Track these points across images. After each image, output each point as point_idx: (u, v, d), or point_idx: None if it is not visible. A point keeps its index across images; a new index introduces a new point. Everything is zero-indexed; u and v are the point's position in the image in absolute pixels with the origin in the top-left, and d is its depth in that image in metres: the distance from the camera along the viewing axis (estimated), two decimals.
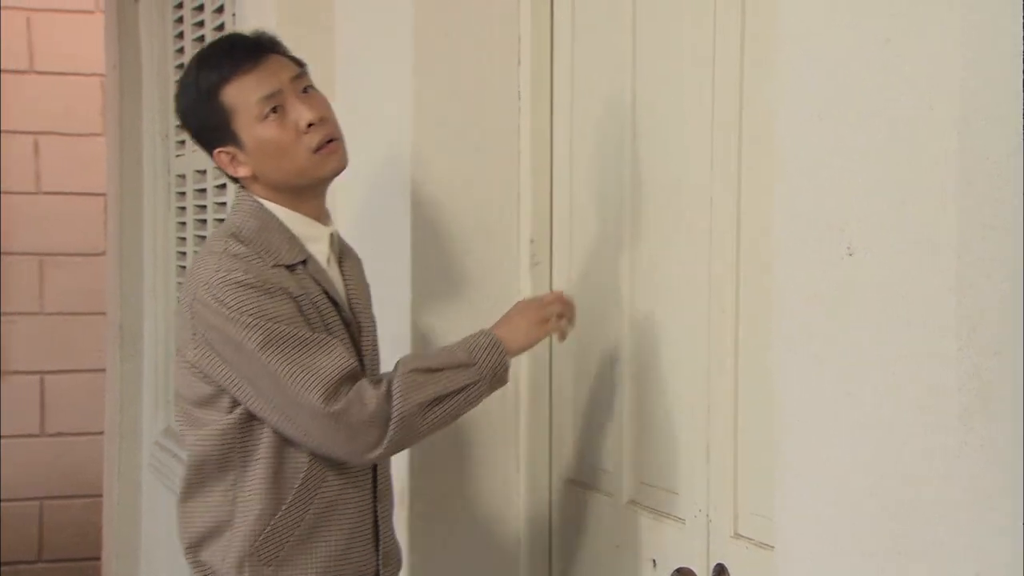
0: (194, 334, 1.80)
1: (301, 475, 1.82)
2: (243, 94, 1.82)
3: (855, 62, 1.21)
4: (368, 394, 1.75)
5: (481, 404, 2.19)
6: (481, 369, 1.82)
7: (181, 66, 3.85)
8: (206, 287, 1.77)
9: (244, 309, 1.74)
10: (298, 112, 1.82)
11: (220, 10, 3.30)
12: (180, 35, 3.81)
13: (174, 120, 4.05)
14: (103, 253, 5.04)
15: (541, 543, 2.22)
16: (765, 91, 1.65)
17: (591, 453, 2.12)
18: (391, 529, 1.96)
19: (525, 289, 2.23)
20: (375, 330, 1.96)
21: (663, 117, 1.91)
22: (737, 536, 1.73)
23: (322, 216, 1.91)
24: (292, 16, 2.51)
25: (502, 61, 2.21)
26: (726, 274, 1.74)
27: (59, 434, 5.42)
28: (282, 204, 1.87)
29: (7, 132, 5.46)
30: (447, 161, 2.21)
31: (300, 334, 1.76)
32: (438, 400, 1.80)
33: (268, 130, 1.82)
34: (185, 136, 3.88)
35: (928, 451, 1.13)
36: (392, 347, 2.23)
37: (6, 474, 5.29)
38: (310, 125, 1.82)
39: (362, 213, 2.41)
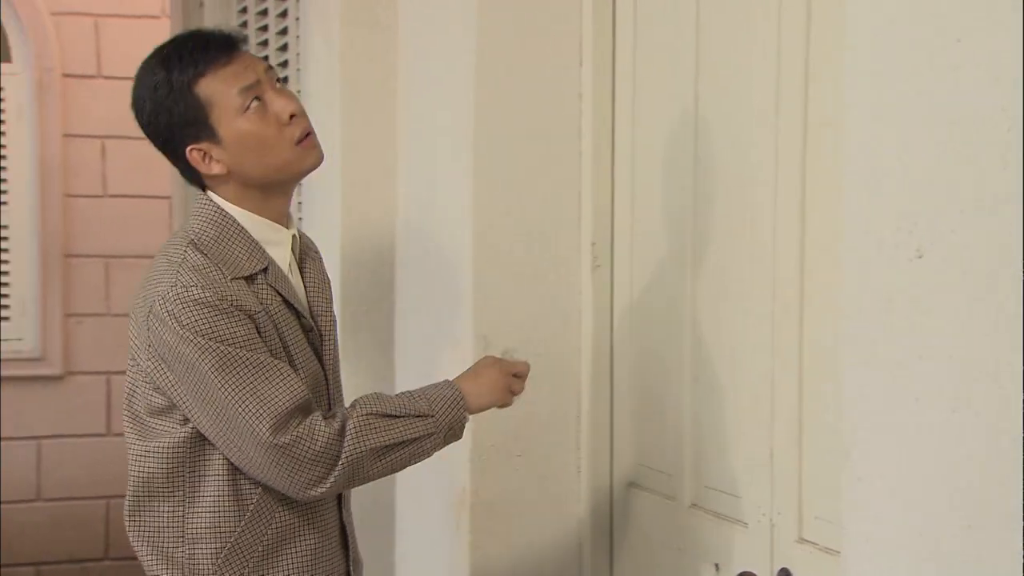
0: (148, 345, 1.76)
1: (259, 491, 1.78)
2: (221, 87, 1.78)
3: (925, 61, 1.19)
4: (319, 430, 1.72)
5: (543, 407, 2.20)
6: (438, 422, 1.80)
7: None
8: (163, 301, 1.72)
9: (199, 330, 1.70)
10: (279, 104, 1.80)
11: (284, 14, 3.32)
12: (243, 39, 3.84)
13: None
14: None
15: (602, 547, 2.21)
16: (832, 91, 1.63)
17: (652, 456, 2.11)
18: (355, 536, 1.95)
19: (587, 292, 2.22)
20: (335, 332, 1.93)
21: (727, 117, 1.90)
22: (801, 540, 1.71)
23: (284, 218, 1.87)
24: (356, 18, 2.52)
25: (564, 62, 2.21)
26: (790, 275, 1.72)
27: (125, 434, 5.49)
28: (247, 206, 1.83)
29: (74, 136, 5.55)
30: (508, 163, 2.20)
31: (254, 359, 1.72)
32: (390, 448, 1.77)
33: (249, 123, 1.78)
34: None
35: (1003, 458, 1.11)
36: (454, 351, 2.24)
37: (74, 473, 5.37)
38: (292, 116, 1.80)
39: (422, 213, 2.42)
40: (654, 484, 2.09)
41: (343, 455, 1.73)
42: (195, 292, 1.72)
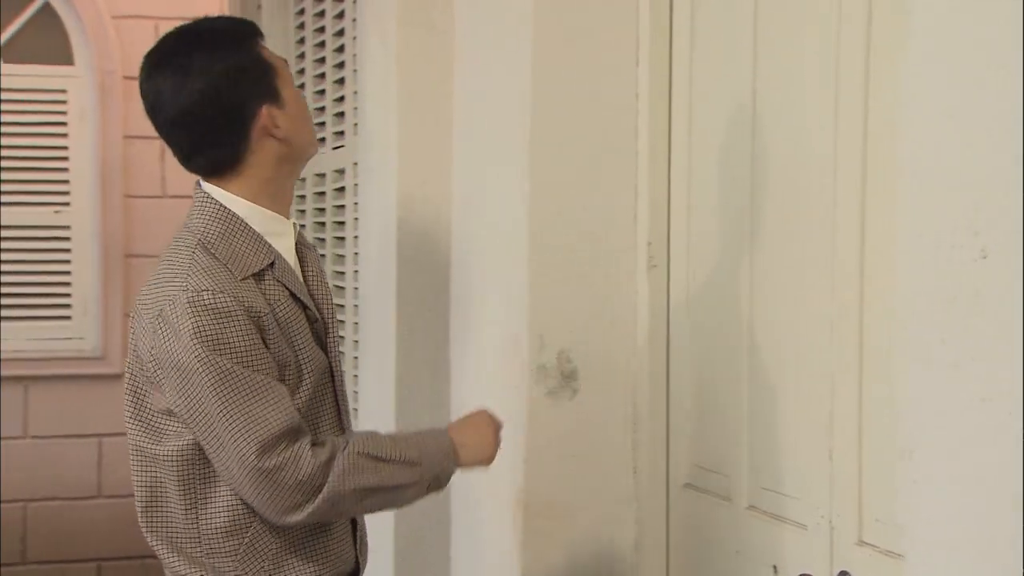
0: (152, 347, 1.75)
1: None
2: (273, 54, 1.85)
3: (988, 59, 1.17)
4: (304, 458, 1.71)
5: (598, 407, 2.20)
6: (425, 472, 1.79)
7: (302, 71, 3.92)
8: (172, 305, 1.72)
9: (204, 338, 1.70)
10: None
11: (340, 16, 3.35)
12: (301, 41, 3.87)
13: None
14: None
15: (658, 548, 2.20)
16: (892, 89, 1.61)
17: (709, 457, 2.09)
18: (363, 522, 1.97)
19: (643, 292, 2.22)
20: (336, 321, 1.95)
21: (784, 115, 1.88)
22: (861, 543, 1.69)
23: (288, 208, 1.90)
24: (412, 19, 2.53)
25: (620, 62, 2.20)
26: (850, 275, 1.71)
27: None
28: (265, 195, 1.84)
29: (135, 137, 5.62)
30: (564, 163, 2.20)
31: (251, 379, 1.71)
32: (373, 490, 1.77)
33: (296, 92, 1.85)
34: None
35: None
36: (510, 350, 2.24)
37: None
38: None
39: (478, 213, 2.42)
40: (710, 485, 2.08)
41: (326, 488, 1.72)
42: (206, 297, 1.71)
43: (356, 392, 3.07)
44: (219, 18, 1.93)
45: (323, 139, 3.78)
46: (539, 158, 2.20)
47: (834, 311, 1.74)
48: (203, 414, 1.72)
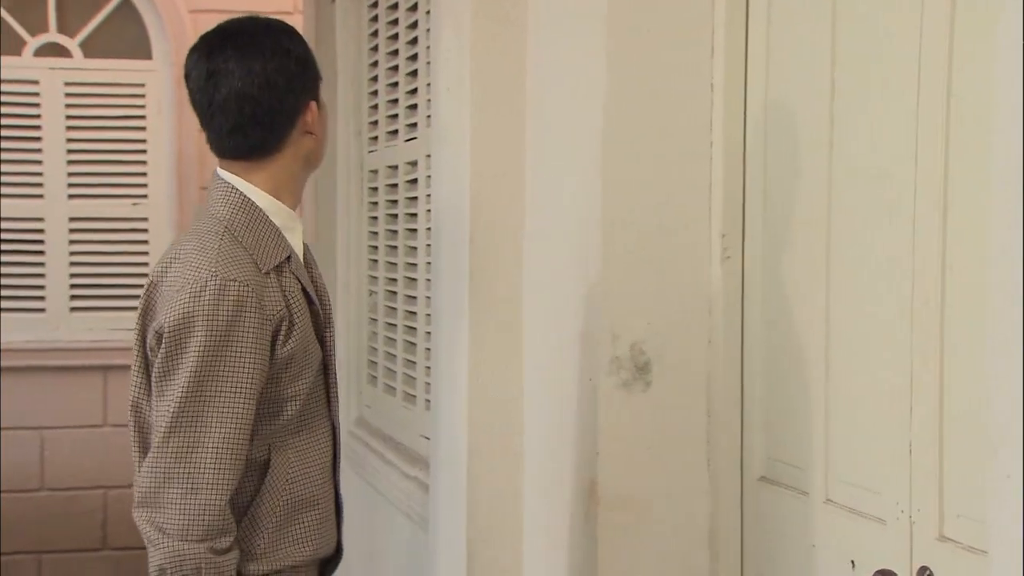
0: (166, 314, 1.85)
1: (270, 468, 1.91)
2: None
3: None
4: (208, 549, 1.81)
5: (672, 400, 2.19)
6: None
7: (375, 64, 3.95)
8: (199, 287, 1.82)
9: (214, 328, 1.80)
10: None
11: (414, 8, 3.36)
12: (374, 33, 3.90)
13: (367, 117, 4.16)
14: None
15: (733, 542, 2.19)
16: (977, 75, 1.59)
17: (784, 450, 2.08)
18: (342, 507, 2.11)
19: (717, 284, 2.20)
20: (332, 316, 2.10)
21: (864, 106, 1.86)
22: (943, 538, 1.67)
23: (298, 207, 2.04)
24: (486, 12, 2.53)
25: (695, 52, 2.19)
26: (931, 267, 1.68)
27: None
28: (285, 190, 1.96)
29: None
30: (638, 154, 2.19)
31: (229, 406, 1.82)
32: None
33: (324, 103, 2.03)
34: (378, 133, 3.99)
35: None
36: (583, 344, 2.24)
37: None
38: None
39: (551, 205, 2.42)
40: (786, 478, 2.07)
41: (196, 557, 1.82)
42: (232, 288, 1.81)
43: (428, 383, 3.08)
44: (275, 19, 2.06)
45: (395, 131, 3.80)
46: (612, 150, 2.19)
47: (915, 302, 1.71)
48: (170, 389, 1.84)
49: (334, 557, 2.08)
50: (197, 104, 2.00)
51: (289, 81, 1.94)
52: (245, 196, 1.92)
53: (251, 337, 1.83)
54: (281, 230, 1.93)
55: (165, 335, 1.84)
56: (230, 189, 1.93)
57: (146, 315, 1.92)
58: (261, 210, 1.92)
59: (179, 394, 1.82)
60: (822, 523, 1.95)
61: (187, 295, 1.83)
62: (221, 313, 1.81)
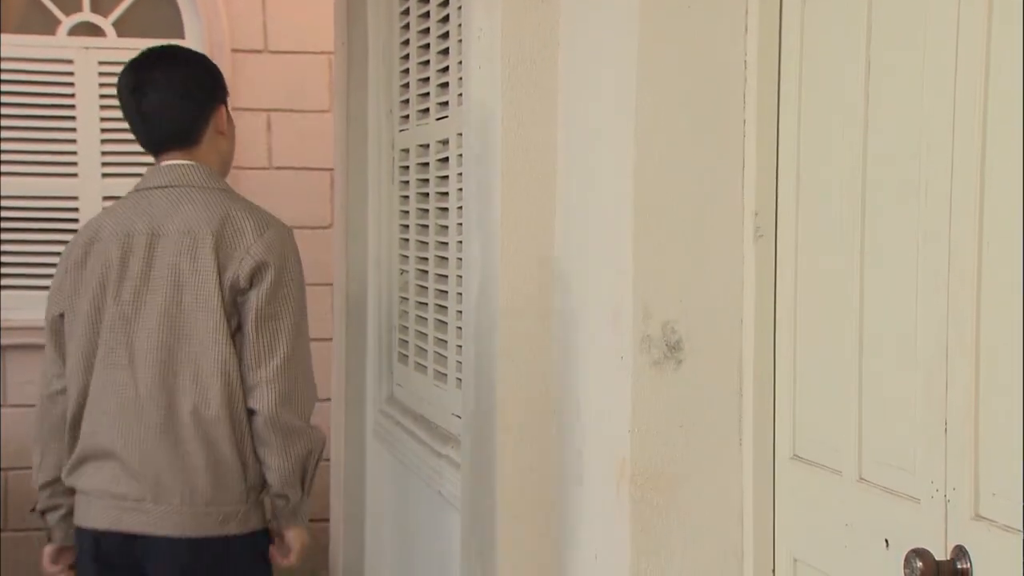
0: (262, 251, 2.54)
1: None
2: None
3: None
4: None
5: (704, 378, 2.19)
6: (304, 500, 2.68)
7: (406, 42, 3.95)
8: (283, 231, 2.61)
9: (298, 277, 2.62)
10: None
11: None
12: (405, 11, 3.89)
13: (398, 96, 4.16)
14: (330, 226, 5.22)
15: (765, 520, 2.19)
16: (1016, 53, 1.57)
17: (817, 429, 2.07)
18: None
19: (749, 262, 2.19)
20: None
21: (900, 83, 1.84)
22: (978, 517, 1.66)
23: None
24: None
25: (729, 29, 2.17)
26: (968, 243, 1.67)
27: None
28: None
29: (241, 109, 5.71)
30: (671, 130, 2.18)
31: (305, 323, 2.65)
32: (310, 458, 2.63)
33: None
34: (409, 112, 3.99)
35: None
36: (614, 321, 2.23)
37: None
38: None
39: (582, 183, 2.41)
40: (819, 457, 2.06)
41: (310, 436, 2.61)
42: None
43: (459, 361, 3.09)
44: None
45: (427, 110, 3.80)
46: (645, 126, 2.18)
47: (951, 279, 1.70)
48: (284, 311, 2.53)
49: None
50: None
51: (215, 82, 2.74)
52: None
53: None
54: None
55: (271, 271, 2.50)
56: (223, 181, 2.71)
57: (220, 263, 2.49)
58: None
59: (294, 314, 2.52)
60: (855, 502, 1.94)
61: (279, 241, 2.56)
62: (296, 250, 2.59)
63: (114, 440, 2.51)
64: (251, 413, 2.51)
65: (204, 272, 2.47)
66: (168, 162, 2.63)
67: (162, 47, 2.72)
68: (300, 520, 2.61)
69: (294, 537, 2.63)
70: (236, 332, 2.50)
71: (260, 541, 2.59)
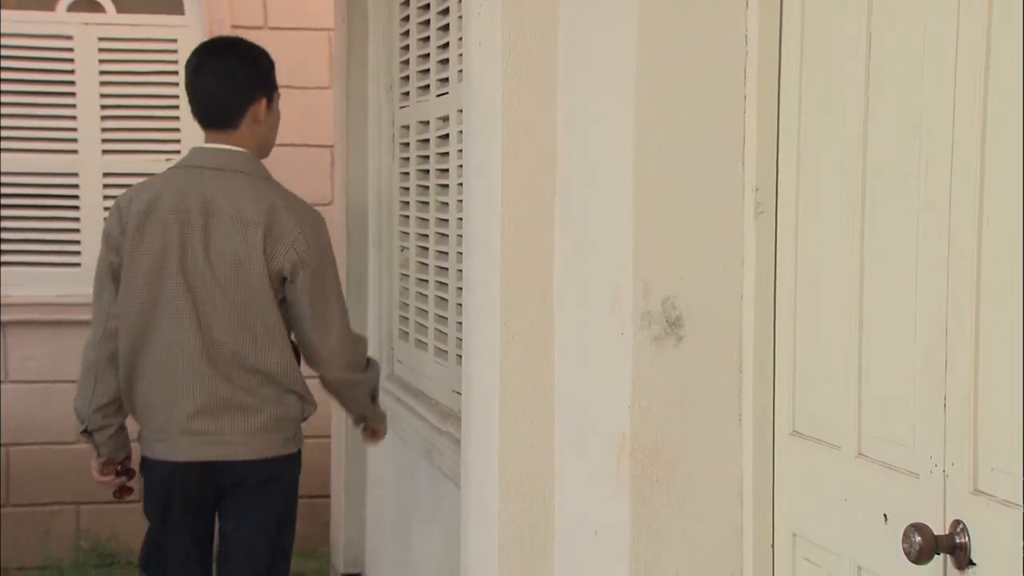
0: (299, 236, 3.03)
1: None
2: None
3: None
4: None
5: (703, 354, 2.19)
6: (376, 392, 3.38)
7: (406, 19, 3.94)
8: (324, 227, 3.13)
9: (333, 256, 3.17)
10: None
11: None
12: None
13: (398, 72, 4.15)
14: (330, 203, 5.22)
15: (764, 496, 2.20)
16: (1018, 25, 1.56)
17: (816, 405, 2.07)
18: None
19: (749, 239, 2.19)
20: None
21: (901, 58, 1.84)
22: (977, 492, 1.66)
23: None
24: None
25: (730, 5, 2.17)
26: (968, 220, 1.67)
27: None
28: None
29: None
30: (671, 106, 2.18)
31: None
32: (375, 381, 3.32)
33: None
34: (409, 88, 3.98)
35: None
36: (614, 298, 2.24)
37: None
38: None
39: (582, 158, 2.41)
40: (818, 432, 2.06)
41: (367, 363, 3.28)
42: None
43: (460, 338, 3.09)
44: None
45: (427, 86, 3.79)
46: (645, 103, 2.18)
47: (951, 257, 1.70)
48: (331, 286, 3.10)
49: None
50: None
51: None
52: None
53: None
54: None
55: (311, 263, 3.02)
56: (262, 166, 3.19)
57: (268, 251, 2.99)
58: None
59: (336, 292, 3.10)
60: (854, 477, 1.94)
61: (322, 226, 3.11)
62: (327, 234, 3.12)
63: (189, 387, 3.03)
64: (321, 378, 3.21)
65: (255, 254, 2.97)
66: (214, 144, 3.07)
67: (226, 38, 3.27)
68: (379, 418, 3.45)
69: (380, 425, 3.48)
70: (281, 303, 3.05)
71: (298, 459, 3.22)
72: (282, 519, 3.20)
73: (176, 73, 5.58)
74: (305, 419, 3.22)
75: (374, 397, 3.36)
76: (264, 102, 3.10)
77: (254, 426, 3.06)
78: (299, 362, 3.15)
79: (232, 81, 3.06)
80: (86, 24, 5.52)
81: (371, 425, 3.46)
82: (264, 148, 3.17)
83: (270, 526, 3.16)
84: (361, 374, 3.23)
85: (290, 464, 3.19)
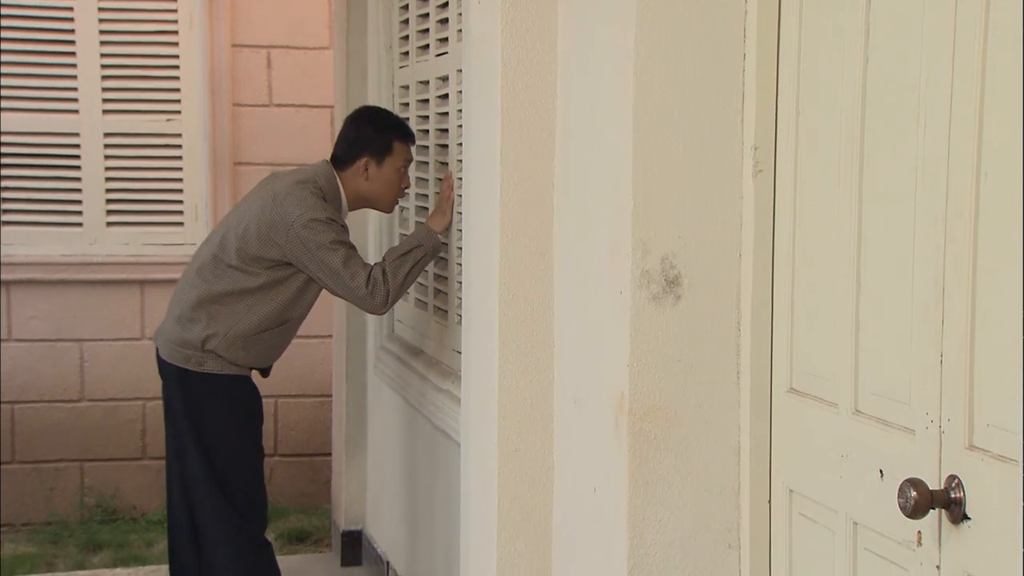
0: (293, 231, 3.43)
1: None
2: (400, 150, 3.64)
3: None
4: (378, 278, 3.41)
5: (702, 313, 2.20)
6: (426, 247, 3.50)
7: None
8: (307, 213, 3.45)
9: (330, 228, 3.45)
10: (407, 180, 3.68)
11: None
12: None
13: (398, 32, 4.13)
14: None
15: (762, 453, 2.21)
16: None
17: (813, 362, 2.09)
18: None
19: (748, 197, 2.20)
20: None
21: (899, 17, 1.84)
22: (972, 447, 1.68)
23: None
24: None
25: None
26: (965, 177, 1.67)
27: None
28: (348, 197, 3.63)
29: (241, 46, 5.68)
30: (671, 65, 2.18)
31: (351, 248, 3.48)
32: (409, 270, 3.46)
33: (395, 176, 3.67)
34: (408, 48, 3.97)
35: None
36: (613, 256, 2.24)
37: None
38: (405, 189, 3.69)
39: (582, 118, 2.41)
40: (815, 390, 2.08)
41: (390, 287, 3.43)
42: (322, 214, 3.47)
43: (460, 298, 3.10)
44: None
45: (426, 46, 3.78)
46: (644, 62, 2.17)
47: (948, 214, 1.71)
48: (329, 268, 3.48)
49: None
50: None
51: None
52: (337, 183, 3.66)
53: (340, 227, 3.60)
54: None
55: (303, 246, 3.49)
56: (331, 171, 3.63)
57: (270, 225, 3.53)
58: (341, 194, 3.65)
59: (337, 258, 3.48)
60: (851, 434, 1.96)
61: (308, 228, 3.51)
62: (316, 218, 3.50)
63: None
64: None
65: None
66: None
67: (378, 109, 3.83)
68: (434, 226, 3.58)
69: (439, 220, 3.59)
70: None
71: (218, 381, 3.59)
72: None
73: (176, 33, 5.57)
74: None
75: (410, 257, 3.49)
76: (366, 161, 3.64)
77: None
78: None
79: (348, 136, 3.69)
80: None
81: (440, 220, 3.58)
82: (362, 199, 3.73)
83: None
84: (382, 295, 3.44)
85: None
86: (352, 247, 3.46)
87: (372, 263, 3.61)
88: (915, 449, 1.79)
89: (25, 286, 5.52)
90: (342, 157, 3.60)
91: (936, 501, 1.72)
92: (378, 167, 3.57)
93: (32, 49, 5.49)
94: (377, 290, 3.39)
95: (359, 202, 3.66)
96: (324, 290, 3.58)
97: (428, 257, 3.50)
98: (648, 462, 2.21)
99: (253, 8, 5.65)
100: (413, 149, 3.71)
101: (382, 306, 3.43)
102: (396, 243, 4.17)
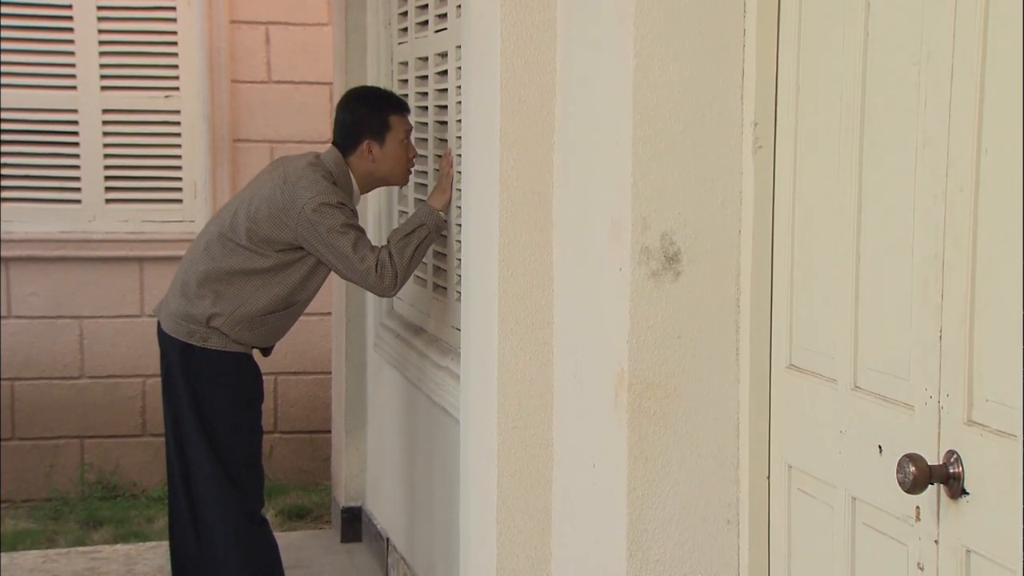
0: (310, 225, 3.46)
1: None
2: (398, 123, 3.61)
3: None
4: (385, 260, 3.42)
5: (702, 289, 2.20)
6: (429, 226, 3.50)
7: None
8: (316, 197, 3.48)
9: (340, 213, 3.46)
10: (413, 150, 3.66)
11: None
12: None
13: (396, 8, 4.12)
14: (329, 141, 5.20)
15: (761, 429, 2.22)
16: None
17: (813, 338, 2.09)
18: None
19: (748, 173, 2.19)
20: None
21: None
22: (971, 423, 1.68)
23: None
24: None
25: None
26: (966, 152, 1.67)
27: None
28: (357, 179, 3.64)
29: (239, 22, 5.66)
30: (671, 41, 2.17)
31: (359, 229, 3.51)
32: (414, 250, 3.47)
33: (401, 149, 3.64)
34: (407, 24, 3.96)
35: None
36: (612, 232, 2.24)
37: None
38: (413, 158, 3.68)
39: (582, 94, 2.41)
40: (814, 366, 2.08)
41: (397, 268, 3.44)
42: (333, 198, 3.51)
43: (460, 275, 3.10)
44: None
45: (425, 22, 3.77)
46: (644, 38, 2.17)
47: (948, 188, 1.71)
48: (338, 252, 3.53)
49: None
50: None
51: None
52: (348, 168, 3.66)
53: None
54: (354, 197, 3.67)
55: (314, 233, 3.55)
56: (339, 156, 3.63)
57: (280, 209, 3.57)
58: (351, 178, 3.65)
59: (348, 240, 3.51)
60: (850, 409, 1.96)
61: (315, 212, 3.52)
62: (323, 203, 3.53)
63: None
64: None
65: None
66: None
67: (365, 88, 3.94)
68: (435, 204, 3.58)
69: (439, 197, 3.59)
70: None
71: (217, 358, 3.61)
72: None
73: (174, 8, 5.55)
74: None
75: (414, 237, 3.50)
76: (368, 144, 3.63)
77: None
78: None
79: (347, 120, 3.69)
80: None
81: (440, 198, 3.59)
82: (373, 177, 3.72)
83: None
84: (390, 276, 3.46)
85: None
86: (361, 230, 3.46)
87: (378, 246, 3.62)
88: (914, 424, 1.80)
89: (24, 263, 5.52)
90: (343, 143, 3.60)
91: (935, 476, 1.72)
92: (381, 146, 3.56)
93: (29, 24, 5.48)
94: (385, 272, 3.40)
95: (371, 183, 3.66)
96: (332, 273, 3.57)
97: (432, 236, 3.50)
98: (647, 438, 2.22)
99: None
100: (412, 120, 3.71)
101: (391, 288, 3.44)
102: (395, 222, 4.17)
